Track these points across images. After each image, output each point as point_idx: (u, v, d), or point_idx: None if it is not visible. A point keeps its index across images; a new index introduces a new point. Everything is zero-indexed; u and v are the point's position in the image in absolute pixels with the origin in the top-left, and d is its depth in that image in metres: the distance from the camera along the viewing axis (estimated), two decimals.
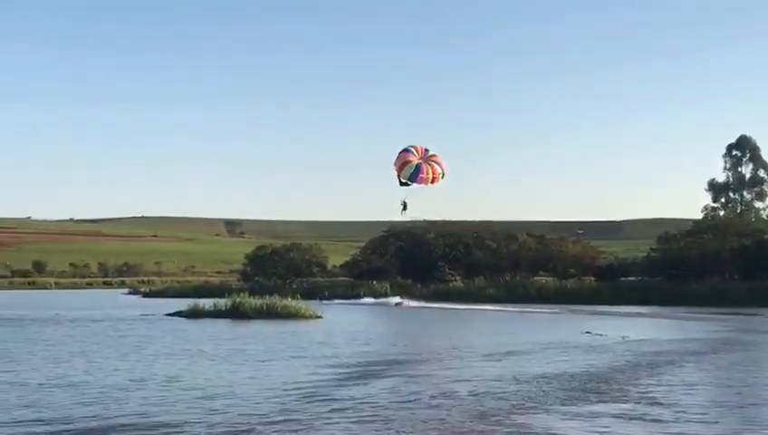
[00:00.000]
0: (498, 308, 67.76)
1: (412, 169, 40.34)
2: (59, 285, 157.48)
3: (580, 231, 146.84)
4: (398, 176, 40.66)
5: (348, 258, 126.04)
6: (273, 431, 15.45)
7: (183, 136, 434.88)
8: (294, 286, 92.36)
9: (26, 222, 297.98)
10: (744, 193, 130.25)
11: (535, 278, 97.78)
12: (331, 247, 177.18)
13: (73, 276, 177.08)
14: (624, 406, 18.26)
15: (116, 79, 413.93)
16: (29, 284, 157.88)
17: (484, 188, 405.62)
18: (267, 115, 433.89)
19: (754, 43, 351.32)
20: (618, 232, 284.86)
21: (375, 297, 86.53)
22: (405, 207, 41.71)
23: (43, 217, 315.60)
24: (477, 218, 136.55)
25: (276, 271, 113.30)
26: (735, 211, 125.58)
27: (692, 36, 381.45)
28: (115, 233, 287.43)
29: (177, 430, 15.54)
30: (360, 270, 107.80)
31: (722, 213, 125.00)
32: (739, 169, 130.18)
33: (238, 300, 52.76)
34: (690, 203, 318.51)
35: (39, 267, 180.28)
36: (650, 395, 19.83)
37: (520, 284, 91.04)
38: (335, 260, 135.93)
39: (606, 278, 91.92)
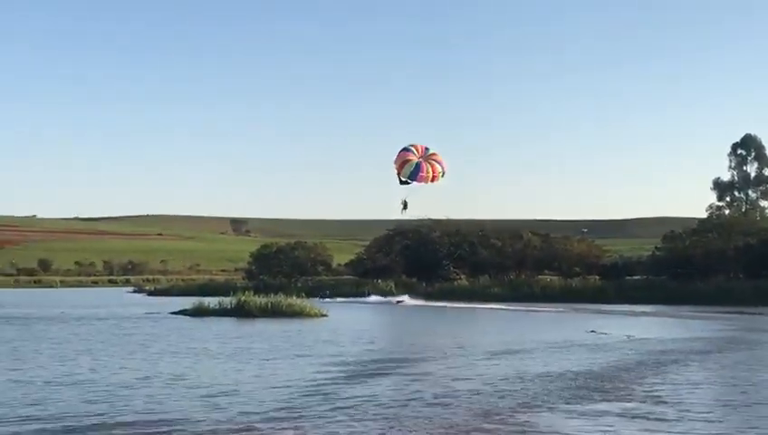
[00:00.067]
0: (503, 307, 67.74)
1: (412, 168, 40.40)
2: (64, 284, 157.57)
3: (585, 230, 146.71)
4: (399, 175, 40.74)
5: (353, 257, 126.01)
6: (277, 429, 15.48)
7: (187, 135, 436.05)
8: (299, 285, 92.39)
9: (32, 221, 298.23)
10: (749, 192, 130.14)
11: (540, 277, 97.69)
12: (336, 246, 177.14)
13: (78, 275, 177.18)
14: (628, 405, 18.27)
15: (119, 78, 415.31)
16: (34, 282, 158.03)
17: (486, 187, 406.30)
18: (270, 114, 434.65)
19: (759, 43, 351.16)
20: (622, 231, 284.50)
21: (383, 296, 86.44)
22: (405, 206, 41.83)
23: (48, 216, 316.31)
24: (480, 217, 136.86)
25: (281, 269, 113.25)
26: (740, 210, 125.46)
27: (695, 35, 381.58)
28: (120, 231, 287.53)
29: (183, 427, 15.59)
30: (365, 269, 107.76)
31: (727, 212, 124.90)
32: (744, 168, 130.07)
33: (243, 298, 52.75)
34: (695, 202, 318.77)
35: (44, 266, 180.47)
36: (655, 394, 19.83)
37: (525, 282, 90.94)
38: (340, 259, 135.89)
39: (611, 277, 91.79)
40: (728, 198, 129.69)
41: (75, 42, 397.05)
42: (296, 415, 16.84)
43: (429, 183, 41.00)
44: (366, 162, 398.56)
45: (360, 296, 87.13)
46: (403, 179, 40.75)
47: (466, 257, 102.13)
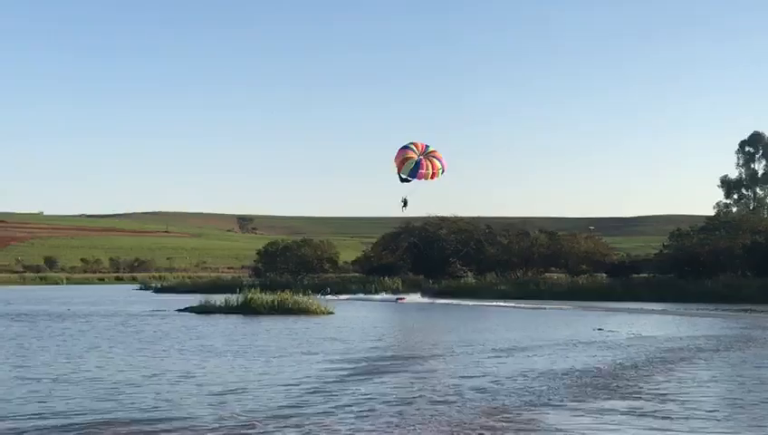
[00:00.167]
0: (510, 304, 67.74)
1: (412, 166, 40.54)
2: (70, 281, 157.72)
3: (592, 227, 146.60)
4: (399, 172, 40.86)
5: (359, 254, 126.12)
6: (282, 427, 15.48)
7: (193, 132, 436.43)
8: (306, 282, 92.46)
9: (38, 217, 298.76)
10: (757, 189, 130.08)
11: (547, 275, 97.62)
12: (343, 243, 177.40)
13: (85, 272, 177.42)
14: (635, 403, 18.24)
15: (126, 76, 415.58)
16: (41, 279, 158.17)
17: (493, 184, 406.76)
18: (277, 112, 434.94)
19: None
20: (629, 228, 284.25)
21: (393, 293, 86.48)
22: (405, 204, 42.05)
23: (54, 213, 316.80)
24: (487, 215, 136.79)
25: (288, 267, 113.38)
26: (748, 207, 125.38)
27: (704, 31, 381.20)
28: (127, 228, 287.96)
29: (189, 425, 15.60)
30: (372, 266, 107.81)
31: (734, 209, 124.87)
32: (752, 166, 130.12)
33: (250, 296, 52.75)
34: (703, 199, 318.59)
35: (50, 263, 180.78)
36: (662, 392, 19.80)
37: (531, 280, 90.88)
38: (347, 256, 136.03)
39: (618, 275, 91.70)
40: (736, 196, 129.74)
41: (80, 41, 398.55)
42: (301, 413, 16.84)
43: (429, 180, 41.11)
44: (373, 159, 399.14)
45: (361, 293, 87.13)
46: (403, 177, 40.87)
47: (473, 255, 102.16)
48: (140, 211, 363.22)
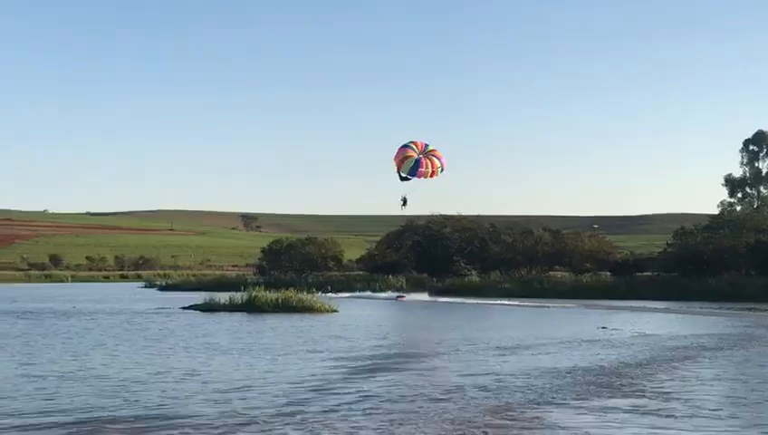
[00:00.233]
0: (513, 303, 67.77)
1: (412, 164, 40.68)
2: (75, 279, 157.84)
3: (596, 226, 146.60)
4: (398, 171, 41.00)
5: (363, 253, 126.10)
6: (286, 424, 15.57)
7: (198, 131, 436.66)
8: (310, 280, 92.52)
9: (43, 215, 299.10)
10: (761, 188, 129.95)
11: (551, 273, 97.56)
12: (347, 241, 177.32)
13: (90, 270, 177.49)
14: (638, 401, 18.30)
15: (131, 75, 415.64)
16: (45, 277, 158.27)
17: (497, 183, 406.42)
18: (281, 110, 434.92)
19: None
20: (633, 227, 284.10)
21: (396, 290, 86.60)
22: (405, 203, 42.23)
23: (59, 211, 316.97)
24: (491, 213, 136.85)
25: (292, 265, 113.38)
26: (752, 206, 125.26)
27: (707, 29, 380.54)
28: (131, 226, 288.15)
29: (194, 422, 15.69)
30: (376, 264, 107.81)
31: (738, 208, 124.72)
32: (756, 165, 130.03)
33: (254, 294, 52.82)
34: (706, 198, 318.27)
35: (55, 261, 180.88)
36: (665, 390, 19.86)
37: (535, 278, 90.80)
38: (351, 254, 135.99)
39: (622, 273, 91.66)
40: (740, 195, 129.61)
41: (81, 41, 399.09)
42: (306, 410, 16.92)
43: (429, 178, 41.26)
44: (377, 158, 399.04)
45: (365, 291, 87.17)
46: (403, 175, 41.01)
47: (477, 253, 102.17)
48: (145, 209, 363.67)
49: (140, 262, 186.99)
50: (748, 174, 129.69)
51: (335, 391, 19.29)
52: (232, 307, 52.03)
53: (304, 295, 53.75)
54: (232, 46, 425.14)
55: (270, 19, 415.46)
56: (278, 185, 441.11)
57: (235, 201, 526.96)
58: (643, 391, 19.80)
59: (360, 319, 47.50)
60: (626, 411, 17.00)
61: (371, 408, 17.25)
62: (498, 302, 69.73)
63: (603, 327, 39.69)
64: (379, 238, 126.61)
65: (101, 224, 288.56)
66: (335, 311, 51.49)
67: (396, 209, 44.37)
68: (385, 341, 33.43)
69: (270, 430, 15.18)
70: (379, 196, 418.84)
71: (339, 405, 17.52)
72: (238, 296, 52.91)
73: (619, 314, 53.70)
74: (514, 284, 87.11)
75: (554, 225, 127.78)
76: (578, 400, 18.41)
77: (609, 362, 25.41)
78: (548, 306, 62.33)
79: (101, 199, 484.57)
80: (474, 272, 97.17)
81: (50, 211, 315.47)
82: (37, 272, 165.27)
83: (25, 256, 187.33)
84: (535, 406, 17.57)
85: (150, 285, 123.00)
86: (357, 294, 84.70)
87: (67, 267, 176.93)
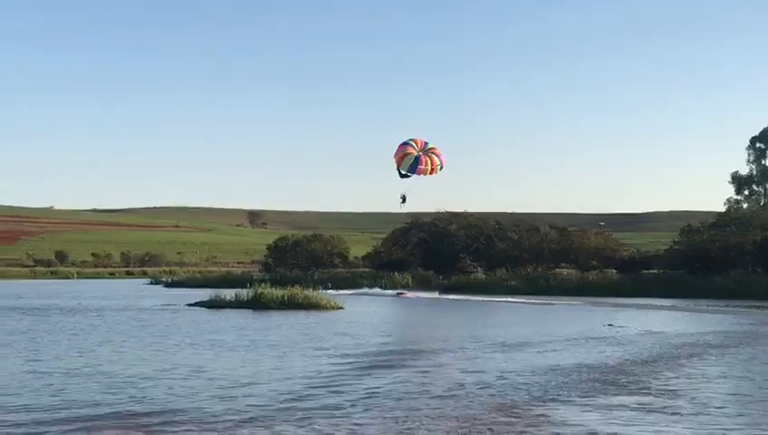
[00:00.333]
0: (519, 300, 67.72)
1: (411, 161, 40.82)
2: (81, 275, 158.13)
3: (602, 223, 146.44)
4: (398, 168, 41.09)
5: (369, 250, 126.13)
6: (292, 421, 15.58)
7: (203, 127, 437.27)
8: (316, 277, 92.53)
9: (49, 212, 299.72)
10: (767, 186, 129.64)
11: (557, 270, 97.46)
12: (353, 238, 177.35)
13: (95, 266, 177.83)
14: (644, 399, 18.28)
15: (136, 71, 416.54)
16: (51, 273, 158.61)
17: (503, 180, 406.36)
18: (287, 107, 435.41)
19: None
20: (639, 224, 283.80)
21: (403, 288, 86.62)
22: (404, 200, 42.38)
23: (65, 207, 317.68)
24: (497, 210, 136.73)
25: (297, 262, 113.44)
26: (759, 204, 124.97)
27: (712, 26, 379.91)
28: (137, 223, 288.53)
29: (200, 418, 15.72)
30: (382, 261, 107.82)
31: (745, 206, 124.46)
32: (762, 162, 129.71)
33: (260, 291, 52.85)
34: (713, 196, 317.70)
35: (61, 257, 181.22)
36: (671, 388, 19.84)
37: (541, 276, 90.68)
38: (357, 251, 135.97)
39: (628, 271, 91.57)
40: (746, 192, 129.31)
41: (82, 41, 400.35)
42: (312, 407, 16.93)
43: (428, 176, 41.37)
44: (382, 154, 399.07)
45: (361, 288, 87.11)
46: (403, 172, 41.12)
47: (483, 250, 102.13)
48: (151, 206, 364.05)
49: (146, 259, 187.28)
50: (755, 171, 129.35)
51: (341, 388, 19.30)
52: (238, 304, 52.08)
53: (310, 292, 53.80)
54: (233, 45, 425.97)
55: (270, 19, 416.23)
56: (284, 182, 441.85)
57: (240, 198, 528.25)
58: (649, 388, 19.79)
59: (366, 316, 47.52)
60: (632, 409, 16.99)
61: (377, 405, 17.26)
62: (504, 299, 69.67)
63: (609, 325, 39.65)
64: (384, 235, 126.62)
65: (107, 221, 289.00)
66: (341, 308, 51.51)
67: (404, 207, 44.50)
68: (390, 338, 33.46)
69: (275, 426, 15.18)
70: (386, 193, 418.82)
71: (344, 402, 17.53)
72: (244, 293, 52.95)
73: (625, 311, 53.65)
74: (520, 281, 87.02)
75: (560, 222, 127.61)
76: (583, 397, 18.40)
77: (614, 360, 25.40)
78: (554, 304, 62.30)
79: (107, 196, 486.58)
80: (480, 269, 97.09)
81: (56, 208, 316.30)
82: (43, 268, 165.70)
83: (31, 253, 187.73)
84: (541, 403, 17.57)
85: (156, 281, 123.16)
86: (357, 291, 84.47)
87: (73, 264, 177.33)
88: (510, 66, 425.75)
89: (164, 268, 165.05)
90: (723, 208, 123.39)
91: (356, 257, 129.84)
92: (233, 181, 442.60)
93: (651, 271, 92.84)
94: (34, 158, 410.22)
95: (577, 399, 18.18)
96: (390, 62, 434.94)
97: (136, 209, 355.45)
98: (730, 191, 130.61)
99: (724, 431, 15.04)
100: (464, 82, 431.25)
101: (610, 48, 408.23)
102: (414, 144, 41.93)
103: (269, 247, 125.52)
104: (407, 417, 16.04)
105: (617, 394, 18.86)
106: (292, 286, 55.03)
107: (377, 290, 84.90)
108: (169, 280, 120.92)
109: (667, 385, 20.28)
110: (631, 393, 18.99)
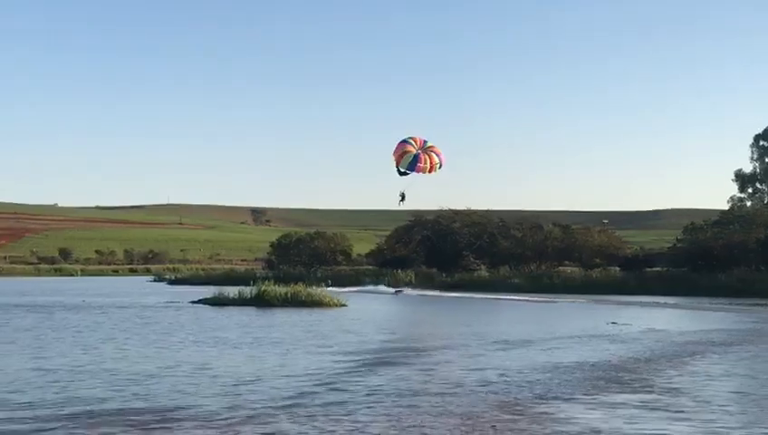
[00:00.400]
0: (523, 298, 67.71)
1: (410, 159, 40.89)
2: (85, 272, 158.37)
3: (606, 221, 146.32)
4: (397, 165, 41.16)
5: (373, 247, 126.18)
6: (295, 417, 15.59)
7: (207, 125, 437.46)
8: (319, 275, 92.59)
9: (52, 209, 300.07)
10: None
11: (560, 268, 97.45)
12: (356, 236, 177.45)
13: (99, 263, 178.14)
14: (647, 396, 18.28)
15: (140, 69, 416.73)
16: (55, 271, 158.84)
17: (507, 178, 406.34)
18: (290, 104, 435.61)
19: None
20: (643, 222, 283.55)
21: (405, 285, 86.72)
22: (403, 198, 42.49)
23: (69, 205, 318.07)
24: (501, 208, 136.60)
25: (301, 259, 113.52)
26: (762, 202, 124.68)
27: (715, 24, 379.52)
28: (140, 220, 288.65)
29: (203, 415, 15.73)
30: (385, 259, 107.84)
31: (749, 203, 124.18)
32: (766, 160, 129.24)
33: (263, 288, 52.88)
34: (717, 194, 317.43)
35: (65, 254, 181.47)
36: (674, 386, 19.83)
37: (545, 273, 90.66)
38: (360, 249, 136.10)
39: (631, 268, 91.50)
40: (750, 190, 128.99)
41: (85, 40, 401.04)
42: (314, 404, 16.95)
43: (427, 174, 41.45)
44: (384, 153, 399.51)
45: (365, 286, 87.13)
46: (402, 170, 41.19)
47: (486, 248, 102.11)
48: (154, 203, 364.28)
49: (149, 256, 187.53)
50: (758, 169, 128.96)
51: (344, 386, 19.32)
52: (241, 301, 52.12)
53: (313, 290, 53.85)
54: (233, 45, 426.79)
55: (270, 19, 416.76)
56: (288, 179, 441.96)
57: (244, 196, 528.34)
58: (652, 386, 19.79)
59: (369, 313, 47.56)
60: (635, 407, 16.98)
61: (379, 402, 17.28)
62: (507, 297, 69.66)
63: (613, 322, 39.62)
64: (388, 233, 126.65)
65: (111, 218, 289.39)
66: (344, 305, 51.52)
67: (403, 205, 44.61)
68: (394, 335, 33.47)
69: (278, 423, 15.19)
70: (389, 190, 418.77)
71: (347, 399, 17.55)
72: (247, 291, 53.00)
73: (628, 309, 53.65)
74: (524, 279, 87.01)
75: (564, 220, 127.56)
76: (586, 395, 18.40)
77: (618, 358, 25.40)
78: (557, 301, 62.28)
79: (111, 193, 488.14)
80: (483, 267, 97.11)
81: (59, 205, 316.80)
82: (47, 266, 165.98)
83: (35, 250, 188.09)
84: (544, 401, 17.57)
85: (159, 279, 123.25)
86: (359, 288, 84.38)
87: (76, 261, 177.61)
88: (510, 66, 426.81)
89: (167, 265, 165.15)
90: (726, 206, 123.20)
91: (359, 255, 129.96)
92: (236, 180, 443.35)
93: (655, 269, 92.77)
94: (38, 156, 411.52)
95: (580, 396, 18.19)
96: (390, 62, 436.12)
97: (139, 207, 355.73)
98: (734, 189, 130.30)
99: (728, 429, 15.03)
100: (464, 82, 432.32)
101: (610, 48, 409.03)
102: (413, 142, 42.00)
103: (272, 245, 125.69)
104: (410, 414, 16.04)
105: (620, 392, 18.86)
106: (296, 284, 55.05)
107: (380, 287, 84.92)
108: (173, 277, 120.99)
109: (670, 383, 20.28)
110: (634, 391, 18.99)
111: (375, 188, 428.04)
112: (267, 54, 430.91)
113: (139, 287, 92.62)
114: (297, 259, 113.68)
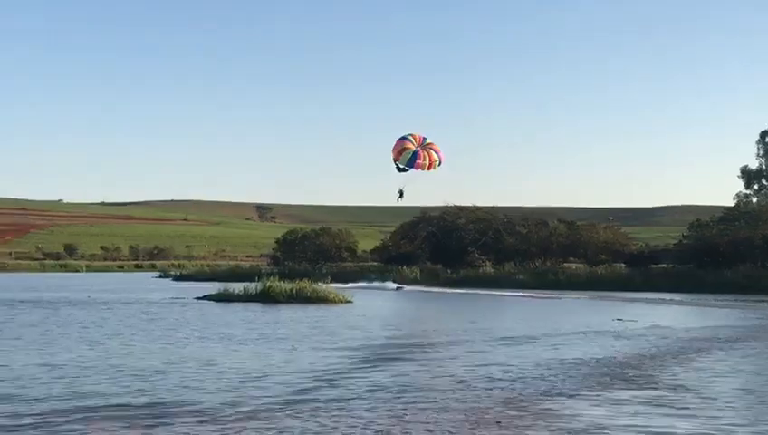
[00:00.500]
0: (528, 294, 67.69)
1: (409, 156, 40.91)
2: (90, 268, 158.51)
3: (611, 218, 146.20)
4: (396, 162, 41.19)
5: (378, 243, 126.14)
6: (300, 413, 15.61)
7: (212, 121, 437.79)
8: (324, 271, 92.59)
9: (58, 205, 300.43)
10: None
11: (565, 264, 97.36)
12: (362, 232, 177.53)
13: (104, 259, 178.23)
14: (652, 393, 18.27)
15: (144, 66, 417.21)
16: (60, 266, 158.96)
17: (512, 174, 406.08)
18: (295, 101, 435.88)
19: None
20: (648, 218, 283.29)
21: (411, 282, 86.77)
22: (401, 195, 42.55)
23: (74, 200, 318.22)
24: (506, 205, 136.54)
25: (306, 255, 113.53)
26: None
27: (720, 21, 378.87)
28: (146, 216, 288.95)
29: (209, 411, 15.76)
30: (390, 255, 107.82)
31: (755, 200, 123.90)
32: None
33: (268, 284, 52.90)
34: (722, 190, 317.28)
35: (70, 250, 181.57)
36: (679, 382, 19.83)
37: (550, 270, 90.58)
38: (365, 245, 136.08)
39: (637, 265, 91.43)
40: (756, 186, 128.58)
41: (86, 40, 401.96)
42: (319, 399, 16.97)
43: (426, 171, 41.48)
44: (385, 152, 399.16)
45: (364, 282, 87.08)
46: (401, 167, 41.23)
47: (491, 244, 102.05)
48: (159, 199, 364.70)
49: (155, 252, 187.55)
50: (765, 166, 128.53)
51: (349, 382, 19.33)
52: (246, 298, 52.14)
53: (318, 286, 53.89)
54: (233, 45, 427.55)
55: (270, 19, 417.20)
56: (293, 176, 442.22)
57: (249, 192, 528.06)
58: (657, 382, 19.79)
59: (375, 310, 47.59)
60: (639, 403, 16.98)
61: (384, 398, 17.29)
62: (512, 293, 69.65)
63: (618, 319, 39.61)
64: (393, 229, 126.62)
65: (116, 214, 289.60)
66: (349, 302, 51.54)
67: (408, 201, 44.73)
68: (399, 332, 33.51)
69: (283, 419, 15.22)
70: (394, 187, 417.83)
71: (352, 396, 17.57)
72: (253, 287, 53.01)
73: (633, 305, 53.63)
74: (529, 275, 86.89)
75: (569, 216, 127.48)
76: (591, 391, 18.40)
77: (623, 354, 25.39)
78: (562, 298, 62.26)
79: (116, 189, 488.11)
80: (488, 263, 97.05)
81: (65, 201, 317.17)
82: (52, 261, 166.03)
83: (40, 246, 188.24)
84: (548, 397, 17.58)
85: (165, 275, 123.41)
86: (356, 284, 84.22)
87: (82, 257, 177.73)
88: (510, 66, 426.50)
89: (173, 262, 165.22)
90: (732, 203, 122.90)
91: (364, 251, 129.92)
92: (242, 175, 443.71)
93: (660, 265, 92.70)
94: (42, 153, 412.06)
95: (585, 393, 18.19)
96: (390, 62, 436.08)
97: (145, 202, 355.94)
98: (740, 185, 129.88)
99: (733, 426, 15.02)
100: (464, 81, 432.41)
101: (610, 48, 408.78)
102: (412, 139, 42.01)
103: (278, 241, 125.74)
104: (414, 410, 16.06)
105: (625, 388, 18.86)
106: (301, 280, 55.08)
107: (388, 284, 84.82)
108: (178, 273, 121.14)
109: (675, 380, 20.27)
110: (640, 388, 18.99)
111: (379, 185, 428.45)
112: (267, 54, 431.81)
113: (144, 283, 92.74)
114: (302, 256, 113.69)
